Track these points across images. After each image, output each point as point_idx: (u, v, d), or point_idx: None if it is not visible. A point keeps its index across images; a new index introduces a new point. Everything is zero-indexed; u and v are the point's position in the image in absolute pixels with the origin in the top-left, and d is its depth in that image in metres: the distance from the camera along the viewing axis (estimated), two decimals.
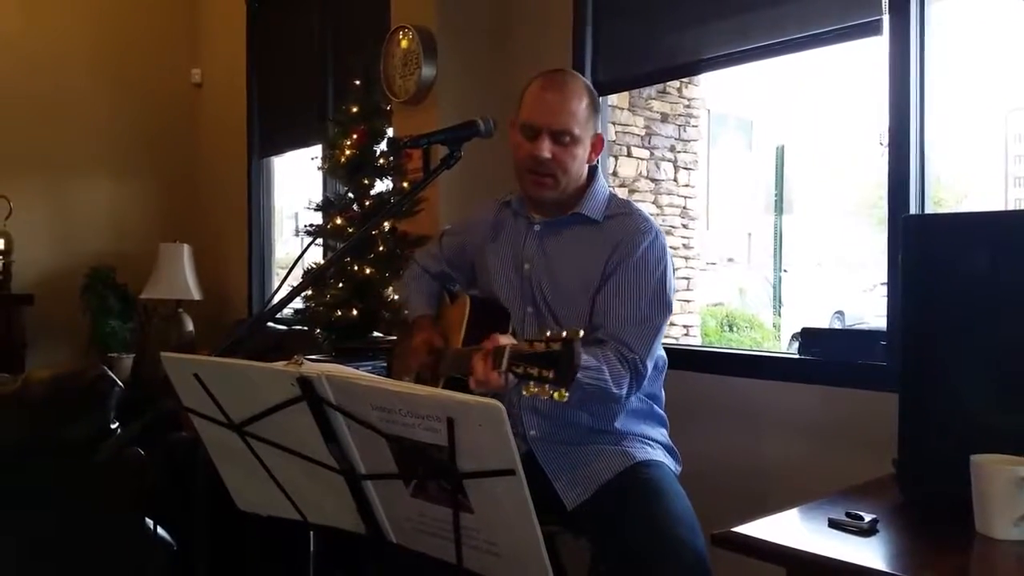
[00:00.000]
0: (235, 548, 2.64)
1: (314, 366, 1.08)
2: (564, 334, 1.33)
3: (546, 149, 1.84)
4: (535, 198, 1.94)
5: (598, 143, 1.94)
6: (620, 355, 1.75)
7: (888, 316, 2.15)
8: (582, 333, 1.34)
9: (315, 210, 3.18)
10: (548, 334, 1.35)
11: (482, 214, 2.11)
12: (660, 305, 1.83)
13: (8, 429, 1.96)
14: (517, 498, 0.98)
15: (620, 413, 1.87)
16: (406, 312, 2.22)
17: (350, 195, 3.02)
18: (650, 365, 1.81)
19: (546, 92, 1.88)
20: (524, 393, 1.37)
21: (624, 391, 1.75)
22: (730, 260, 12.56)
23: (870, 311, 8.96)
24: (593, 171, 1.97)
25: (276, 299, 1.62)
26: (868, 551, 1.25)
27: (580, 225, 1.92)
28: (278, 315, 3.10)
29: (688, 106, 5.76)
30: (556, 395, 1.34)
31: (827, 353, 2.29)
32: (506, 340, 1.48)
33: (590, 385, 1.68)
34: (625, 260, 1.83)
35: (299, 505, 1.28)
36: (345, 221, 2.96)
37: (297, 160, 4.70)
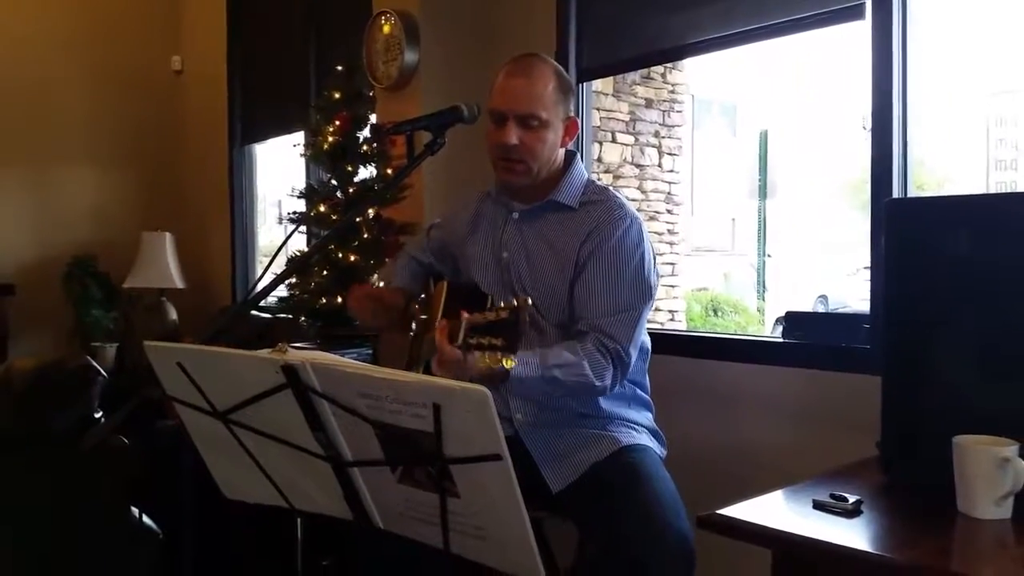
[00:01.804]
0: (222, 536, 2.64)
1: (298, 353, 1.08)
2: (514, 302, 1.35)
3: (513, 135, 1.83)
4: (508, 185, 1.93)
5: (571, 127, 1.92)
6: (601, 346, 1.76)
7: (871, 299, 2.16)
8: (530, 301, 1.38)
9: (298, 197, 3.16)
10: (501, 304, 1.38)
11: (465, 206, 2.12)
12: (640, 292, 1.83)
13: None
14: (504, 483, 0.98)
15: (604, 397, 1.87)
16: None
17: (333, 182, 3.01)
18: (634, 353, 1.81)
19: (512, 78, 1.87)
20: (479, 365, 1.39)
21: (608, 382, 1.76)
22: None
23: (854, 294, 9.02)
24: (571, 156, 1.96)
25: (260, 287, 1.61)
26: (853, 532, 1.26)
27: (556, 212, 1.92)
28: (262, 303, 3.09)
29: (672, 91, 5.76)
30: (506, 362, 1.36)
31: (811, 337, 2.30)
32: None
33: (572, 381, 1.71)
34: (600, 248, 1.82)
35: (285, 492, 1.27)
36: (329, 208, 2.95)
37: (280, 147, 4.67)
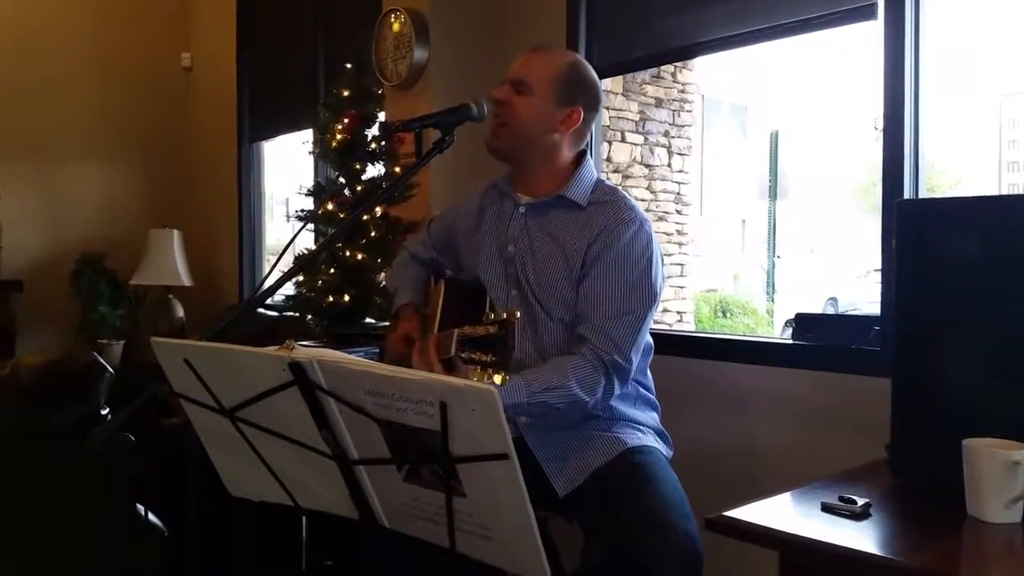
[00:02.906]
0: (227, 534, 2.64)
1: (306, 351, 1.07)
2: (504, 316, 1.35)
3: (502, 92, 1.87)
4: (490, 150, 1.93)
5: (572, 115, 1.90)
6: (596, 357, 1.75)
7: (882, 301, 2.15)
8: (518, 315, 1.39)
9: (306, 195, 3.16)
10: (491, 316, 1.38)
11: (468, 199, 2.11)
12: (644, 296, 1.81)
13: None
14: (510, 482, 0.97)
15: None
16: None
17: (341, 180, 3.00)
18: (635, 358, 1.81)
19: (528, 52, 1.93)
20: (473, 379, 1.39)
21: (599, 395, 1.76)
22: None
23: (863, 297, 8.99)
24: (581, 155, 1.96)
25: (267, 284, 1.60)
26: (861, 535, 1.25)
27: (564, 209, 1.91)
28: (269, 301, 3.09)
29: (682, 91, 5.75)
30: (497, 378, 1.36)
31: (820, 338, 2.29)
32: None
33: (561, 403, 1.72)
34: (608, 250, 1.81)
35: (291, 490, 1.27)
36: (336, 206, 2.94)
37: (288, 145, 4.68)
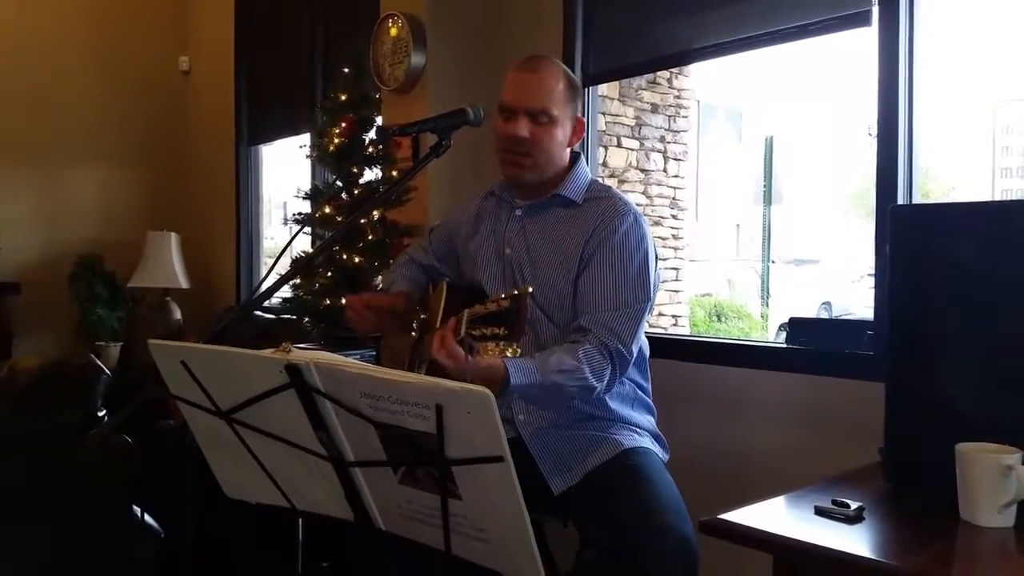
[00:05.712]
0: (223, 536, 2.64)
1: (302, 353, 1.08)
2: (515, 291, 1.37)
3: (523, 128, 1.85)
4: (514, 180, 1.94)
5: (579, 127, 1.94)
6: (601, 344, 1.76)
7: (875, 306, 2.16)
8: (531, 289, 1.40)
9: (304, 199, 3.17)
10: (502, 294, 1.39)
11: (467, 205, 2.12)
12: (642, 288, 1.83)
13: None
14: (505, 485, 0.98)
15: (610, 397, 1.87)
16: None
17: (339, 184, 3.01)
18: (635, 349, 1.82)
19: (523, 73, 1.90)
20: (485, 355, 1.40)
21: (606, 382, 1.76)
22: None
23: (857, 302, 9.00)
24: (575, 156, 1.98)
25: (264, 287, 1.61)
26: (854, 538, 1.26)
27: (560, 207, 1.93)
28: (266, 304, 3.10)
29: (678, 97, 5.75)
30: (510, 351, 1.37)
31: (814, 343, 2.30)
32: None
33: (573, 386, 1.72)
34: (604, 243, 1.84)
35: (287, 492, 1.28)
36: (334, 210, 2.95)
37: (286, 148, 4.68)
